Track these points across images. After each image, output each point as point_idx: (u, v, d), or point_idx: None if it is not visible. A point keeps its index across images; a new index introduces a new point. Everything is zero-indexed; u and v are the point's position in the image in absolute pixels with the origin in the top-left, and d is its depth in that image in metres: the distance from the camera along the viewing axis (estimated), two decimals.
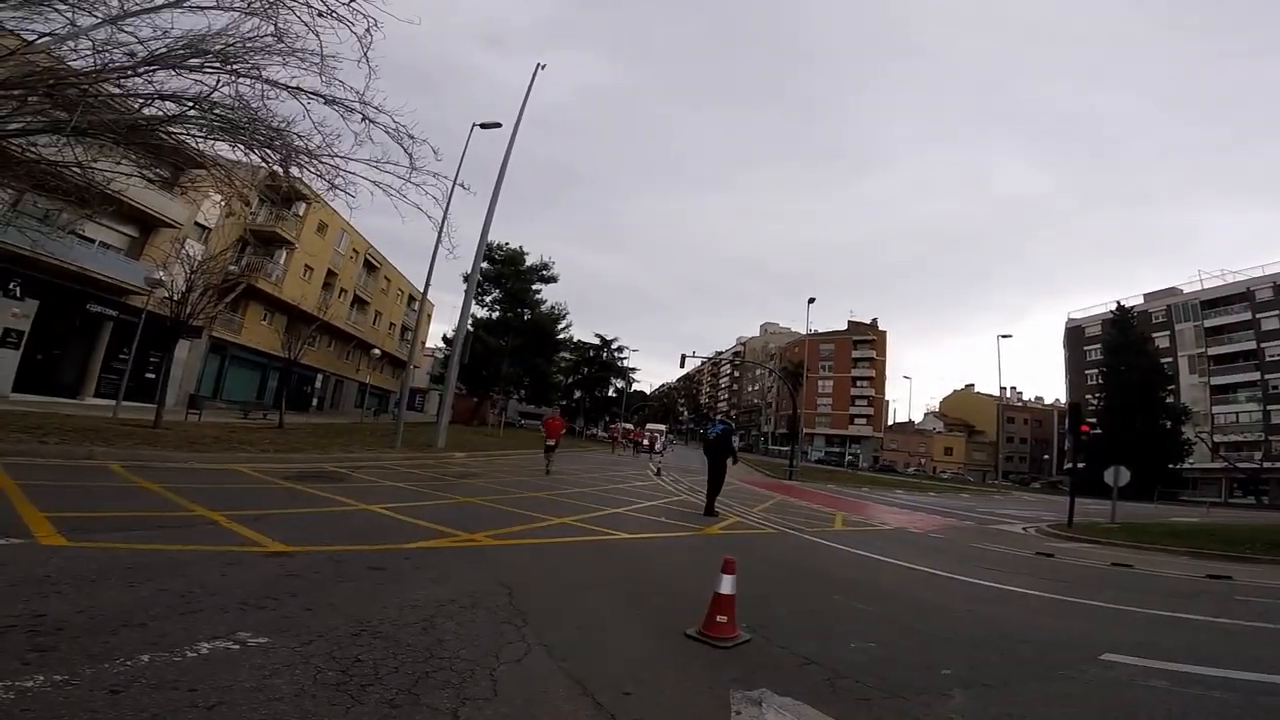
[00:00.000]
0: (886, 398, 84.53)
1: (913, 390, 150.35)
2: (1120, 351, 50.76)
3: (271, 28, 7.98)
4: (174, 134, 8.86)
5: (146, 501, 5.79)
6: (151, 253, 21.87)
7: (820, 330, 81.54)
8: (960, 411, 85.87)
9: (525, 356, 48.01)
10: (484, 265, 37.22)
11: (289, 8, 7.92)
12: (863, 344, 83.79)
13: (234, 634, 2.74)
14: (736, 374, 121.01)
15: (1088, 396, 53.05)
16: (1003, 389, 58.30)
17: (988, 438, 73.99)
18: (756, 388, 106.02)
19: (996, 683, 3.23)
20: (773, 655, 3.41)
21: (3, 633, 2.41)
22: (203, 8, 8.08)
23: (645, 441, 37.87)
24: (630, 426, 52.15)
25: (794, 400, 47.97)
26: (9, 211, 12.88)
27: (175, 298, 13.75)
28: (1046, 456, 70.04)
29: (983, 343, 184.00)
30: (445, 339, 51.47)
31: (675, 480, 18.45)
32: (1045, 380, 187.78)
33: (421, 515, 6.93)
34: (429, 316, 51.42)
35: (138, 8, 7.87)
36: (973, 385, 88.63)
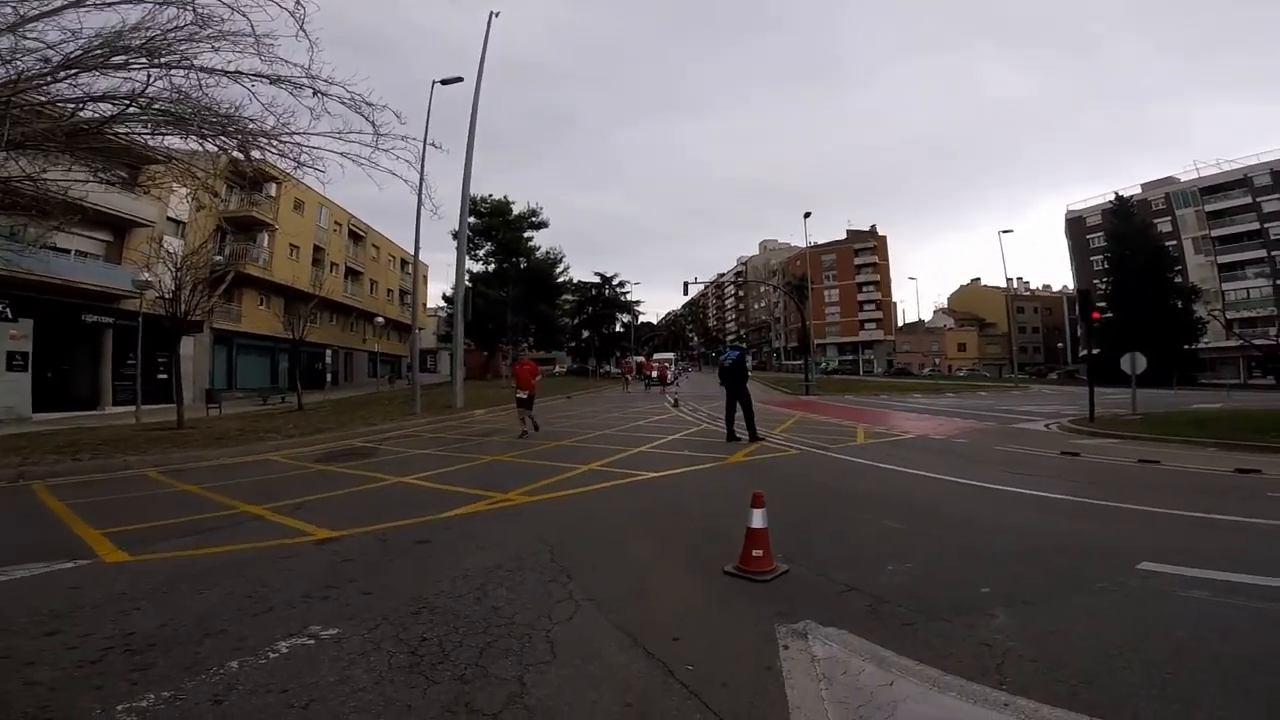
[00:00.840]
0: (894, 300, 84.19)
1: (919, 291, 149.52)
2: (1123, 238, 50.51)
3: (190, 14, 7.54)
4: (119, 134, 8.58)
5: (190, 505, 6.01)
6: (131, 255, 21.66)
7: (820, 242, 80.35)
8: (969, 306, 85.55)
9: (528, 304, 47.98)
10: (471, 219, 36.61)
11: None
12: (864, 250, 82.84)
13: (306, 628, 2.92)
14: (741, 294, 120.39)
15: (1095, 282, 52.83)
16: (1009, 280, 57.78)
17: (999, 330, 73.98)
18: (763, 304, 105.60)
19: (1036, 598, 3.30)
20: (812, 585, 3.57)
21: (104, 655, 2.59)
22: (108, 3, 7.60)
23: (655, 373, 36.86)
24: (642, 359, 49.45)
25: (801, 314, 47.88)
26: None
27: (167, 297, 13.70)
28: (1060, 344, 69.95)
29: (985, 238, 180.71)
30: (445, 298, 51.43)
31: (693, 409, 18.76)
32: (1051, 269, 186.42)
33: (454, 481, 7.17)
34: (425, 278, 51.18)
35: (35, 11, 7.44)
36: (979, 279, 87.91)
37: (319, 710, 2.18)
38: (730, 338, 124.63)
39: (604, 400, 24.85)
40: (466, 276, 24.59)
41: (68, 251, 20.05)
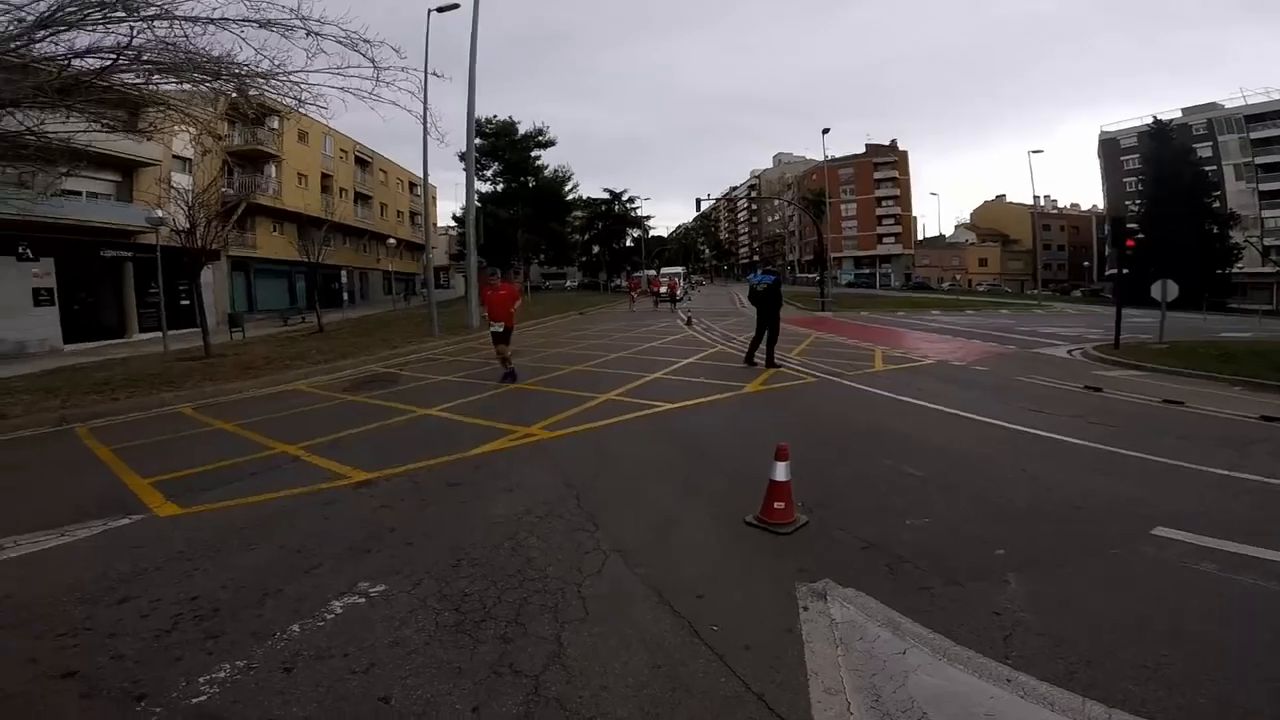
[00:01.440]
0: (914, 215, 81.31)
1: (941, 207, 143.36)
2: (1160, 162, 47.94)
3: None
4: (111, 84, 8.26)
5: (228, 445, 6.25)
6: (141, 194, 21.53)
7: (838, 156, 76.58)
8: (993, 222, 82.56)
9: (538, 223, 47.35)
10: (478, 141, 35.72)
11: None
12: (884, 165, 79.24)
13: (355, 585, 3.13)
14: (754, 207, 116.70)
15: (1126, 203, 50.89)
16: (1036, 198, 55.28)
17: (1023, 246, 71.60)
18: (777, 218, 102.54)
19: (1049, 563, 3.36)
20: (832, 539, 3.69)
21: (176, 622, 2.80)
22: None
23: (664, 289, 33.16)
24: (651, 273, 46.20)
25: (818, 229, 46.57)
26: None
27: (182, 233, 13.67)
28: (1086, 263, 67.73)
29: (1011, 156, 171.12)
30: (455, 217, 50.78)
31: (706, 328, 18.78)
32: (1080, 188, 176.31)
33: (476, 412, 7.40)
34: (434, 198, 50.21)
35: None
36: (1004, 196, 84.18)
37: (379, 675, 2.39)
38: (743, 250, 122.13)
39: (615, 318, 24.85)
40: (476, 197, 24.13)
41: (79, 194, 20.20)
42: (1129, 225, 20.56)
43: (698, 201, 45.62)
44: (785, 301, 11.12)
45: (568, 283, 67.41)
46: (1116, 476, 5.02)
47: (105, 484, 5.04)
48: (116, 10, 7.14)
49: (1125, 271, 18.16)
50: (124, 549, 3.65)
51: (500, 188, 49.49)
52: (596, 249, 64.67)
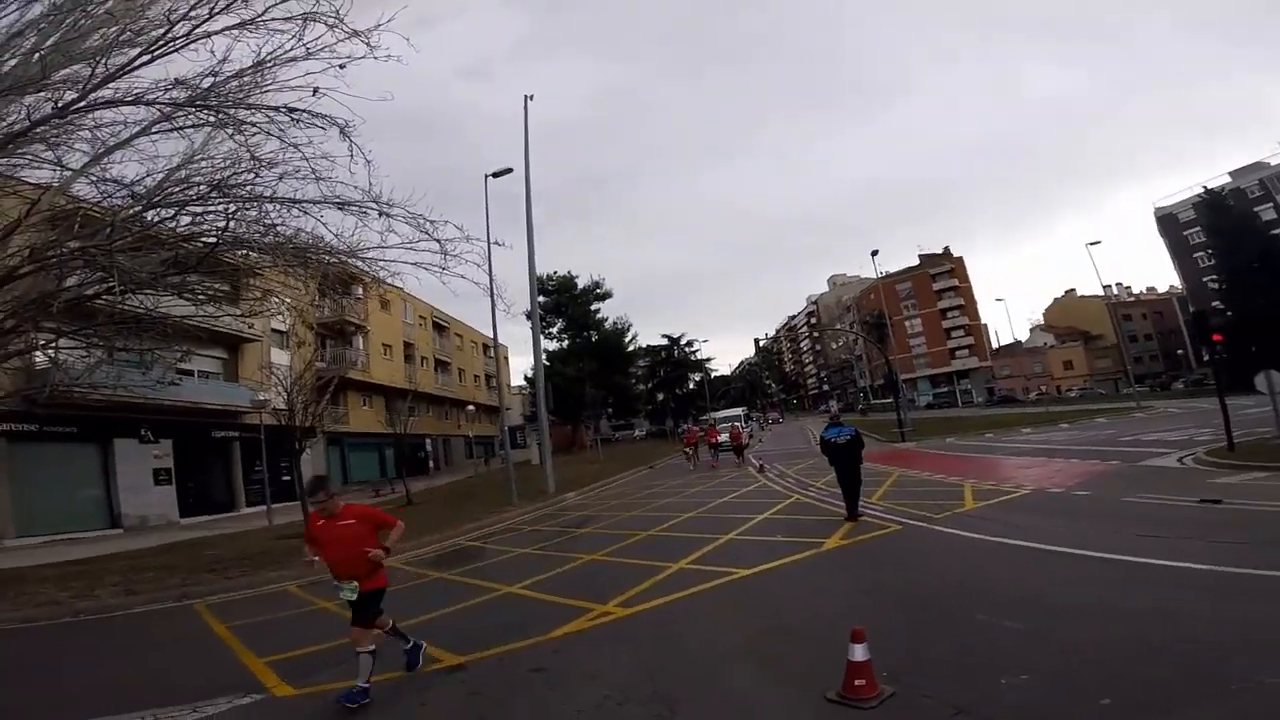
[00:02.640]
0: (983, 323, 79.73)
1: (1009, 311, 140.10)
2: (1223, 232, 46.28)
3: (247, 153, 8.58)
4: (220, 258, 9.82)
5: (330, 626, 6.63)
6: (245, 372, 24.53)
7: (892, 270, 77.96)
8: (1069, 320, 79.63)
9: (603, 376, 49.63)
10: (541, 298, 38.79)
11: (248, 120, 8.40)
12: (941, 275, 79.45)
13: None
14: (816, 334, 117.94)
15: (1205, 280, 48.91)
16: (1107, 287, 53.79)
17: (1107, 340, 68.10)
18: (841, 343, 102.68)
19: (1161, 708, 3.14)
20: (920, 709, 3.56)
21: None
22: (171, 129, 8.80)
23: (724, 438, 27.06)
24: (706, 425, 34.21)
25: (884, 355, 46.31)
26: (107, 364, 14.50)
27: (284, 412, 15.40)
28: (1180, 351, 63.29)
29: (1065, 243, 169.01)
30: (526, 378, 53.98)
31: (780, 474, 18.40)
32: (1150, 269, 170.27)
33: (556, 588, 7.57)
34: (506, 359, 53.95)
35: (114, 141, 8.77)
36: (1074, 290, 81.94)
37: None
38: (810, 380, 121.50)
39: (685, 471, 24.35)
40: (544, 356, 26.02)
41: (191, 373, 23.02)
42: (1213, 305, 19.59)
43: (756, 342, 46.99)
44: (861, 433, 10.82)
45: (636, 432, 68.46)
46: (1247, 600, 4.57)
47: (227, 662, 5.62)
48: (212, 192, 8.72)
49: (1222, 356, 16.94)
50: None
51: (565, 344, 52.94)
52: (661, 396, 66.25)
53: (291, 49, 8.11)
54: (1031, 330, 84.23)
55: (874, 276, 57.09)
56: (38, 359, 13.59)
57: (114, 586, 8.86)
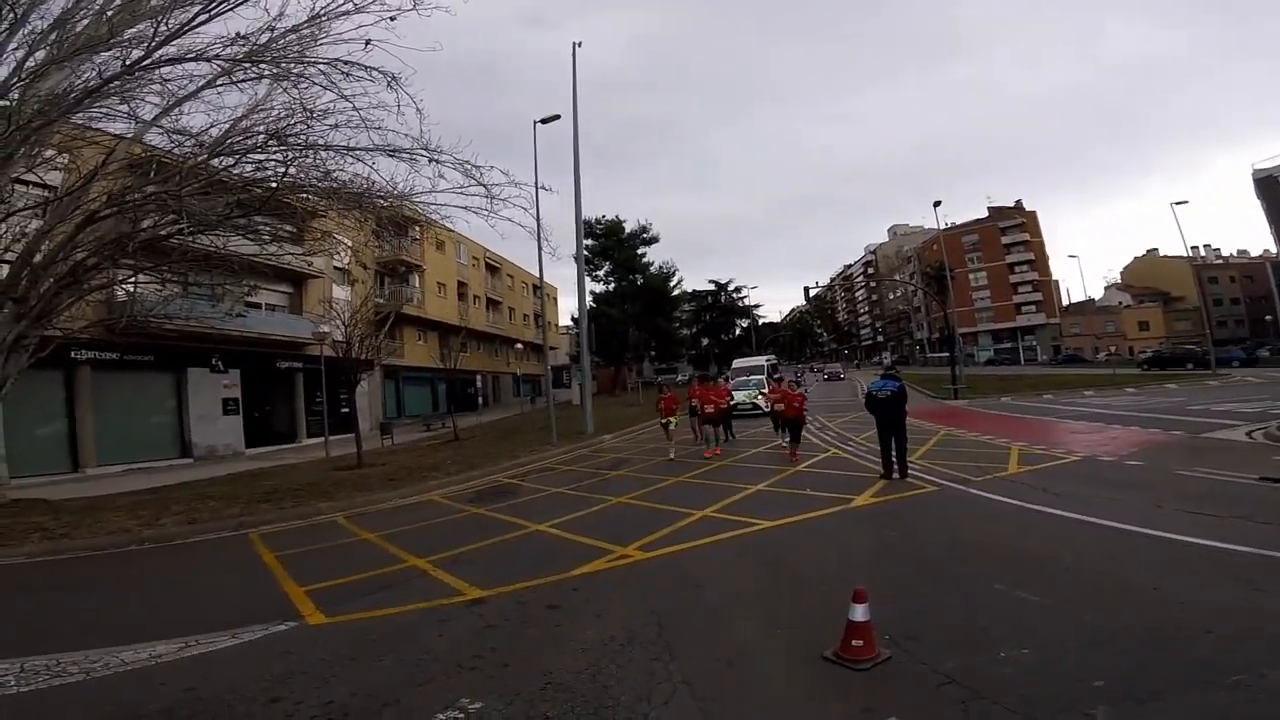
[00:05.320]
0: (1054, 279, 74.99)
1: (1083, 269, 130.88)
2: None
3: (300, 106, 9.13)
4: (282, 201, 10.55)
5: (369, 556, 7.20)
6: (309, 306, 25.68)
7: (959, 222, 73.62)
8: (1149, 280, 73.93)
9: (647, 320, 49.68)
10: (588, 242, 38.79)
11: (307, 75, 8.92)
12: (1011, 229, 74.70)
13: (458, 701, 3.55)
14: (873, 284, 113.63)
15: None
16: (1194, 249, 49.22)
17: (1189, 303, 63.04)
18: (899, 294, 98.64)
19: (1151, 695, 3.06)
20: (911, 674, 3.58)
21: None
22: (232, 81, 9.47)
23: (743, 400, 20.87)
24: (699, 380, 19.32)
25: (944, 308, 44.26)
26: (180, 297, 15.54)
27: (341, 344, 16.16)
28: (1269, 317, 57.83)
29: (1154, 206, 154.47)
30: (573, 318, 54.66)
31: (821, 427, 18.17)
32: (1244, 233, 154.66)
33: (583, 529, 7.83)
34: (554, 299, 54.61)
35: (182, 94, 9.47)
36: (1156, 250, 75.60)
37: None
38: (864, 331, 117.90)
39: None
40: (589, 298, 26.15)
41: (259, 306, 24.33)
42: None
43: (806, 290, 45.17)
44: (913, 386, 10.47)
45: (679, 377, 68.81)
46: (1274, 591, 4.34)
47: (269, 590, 6.07)
48: (271, 141, 9.26)
49: None
50: (279, 653, 4.40)
51: (611, 286, 53.04)
52: (705, 341, 65.92)
53: (344, 2, 8.31)
54: (1107, 288, 78.75)
55: (937, 228, 53.98)
56: (118, 293, 14.64)
57: (178, 515, 9.55)
